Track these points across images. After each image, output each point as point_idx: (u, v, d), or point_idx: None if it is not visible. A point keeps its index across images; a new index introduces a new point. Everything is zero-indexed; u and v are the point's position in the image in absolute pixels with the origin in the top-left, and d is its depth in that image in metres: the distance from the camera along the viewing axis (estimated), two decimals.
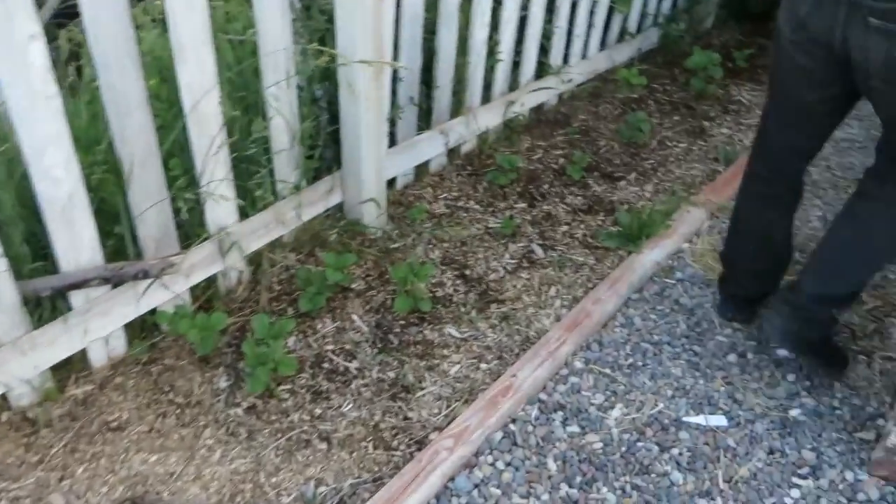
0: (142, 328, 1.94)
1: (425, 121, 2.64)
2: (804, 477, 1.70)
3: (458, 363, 1.97)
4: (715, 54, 3.45)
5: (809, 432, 1.81)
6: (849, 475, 1.69)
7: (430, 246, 2.38)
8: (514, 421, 1.81)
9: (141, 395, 1.82)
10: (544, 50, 3.10)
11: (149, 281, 1.80)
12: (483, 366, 1.97)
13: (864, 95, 1.65)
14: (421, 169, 2.68)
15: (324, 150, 2.29)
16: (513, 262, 2.36)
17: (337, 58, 2.05)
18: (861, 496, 1.65)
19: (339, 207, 2.37)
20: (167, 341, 1.95)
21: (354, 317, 2.09)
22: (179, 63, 1.73)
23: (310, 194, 2.21)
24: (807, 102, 1.71)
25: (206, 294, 2.04)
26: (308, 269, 2.12)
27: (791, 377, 1.97)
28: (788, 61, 1.68)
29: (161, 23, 1.97)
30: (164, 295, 1.88)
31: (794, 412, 1.86)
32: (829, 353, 1.98)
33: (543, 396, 1.88)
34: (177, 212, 1.85)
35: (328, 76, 2.25)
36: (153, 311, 1.90)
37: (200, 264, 1.95)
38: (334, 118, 2.26)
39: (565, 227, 2.54)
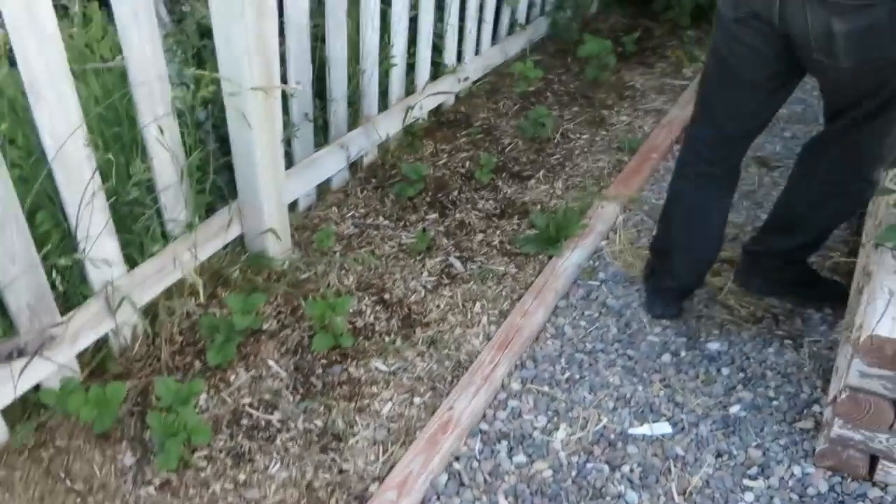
0: (24, 407, 1.69)
1: (323, 136, 2.47)
2: (754, 478, 1.67)
3: (390, 400, 1.84)
4: (607, 41, 3.43)
5: (752, 428, 1.79)
6: (796, 469, 1.68)
7: (343, 272, 2.22)
8: (457, 459, 1.69)
9: (31, 488, 1.58)
10: (437, 49, 2.98)
11: (27, 358, 1.56)
12: (417, 400, 1.84)
13: (808, 71, 1.66)
14: (323, 188, 2.51)
15: (216, 179, 2.08)
16: (432, 279, 2.24)
17: (221, 81, 1.85)
18: (811, 490, 1.64)
19: (240, 240, 2.17)
20: (57, 418, 1.71)
21: (270, 362, 1.91)
22: (35, 102, 1.49)
23: (205, 231, 2.00)
24: (754, 81, 1.70)
25: (97, 357, 1.80)
26: (212, 316, 1.91)
27: (725, 371, 1.95)
28: (733, 41, 1.66)
29: (9, 56, 1.71)
30: (48, 367, 1.64)
31: (734, 409, 1.84)
32: (818, 288, 2.13)
33: (484, 426, 1.78)
34: (53, 271, 1.61)
35: (212, 96, 2.04)
36: (37, 387, 1.66)
37: (87, 326, 1.72)
38: (224, 142, 2.06)
39: (481, 236, 2.44)
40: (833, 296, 2.13)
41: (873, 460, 1.63)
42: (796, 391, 1.90)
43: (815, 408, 1.84)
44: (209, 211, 2.06)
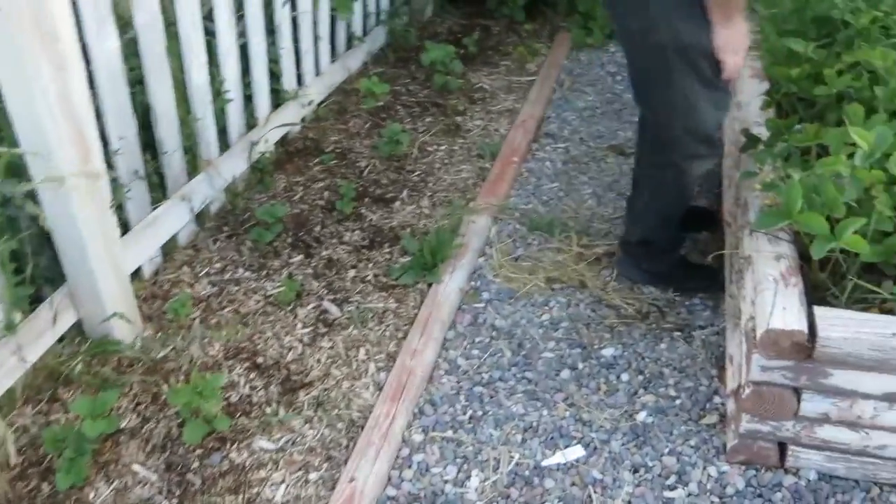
0: None
1: (160, 190, 2.21)
2: (673, 487, 1.63)
3: (283, 482, 1.64)
4: (450, 46, 3.35)
5: (661, 433, 1.75)
6: (712, 470, 1.66)
7: (206, 340, 1.99)
8: None
9: None
10: (275, 76, 2.77)
11: None
12: (312, 475, 1.66)
13: None
14: (169, 247, 2.24)
15: (36, 260, 1.78)
16: (307, 331, 2.05)
17: (24, 158, 1.57)
18: (730, 489, 1.61)
19: (78, 327, 1.88)
20: None
21: (136, 466, 1.65)
22: None
23: (31, 328, 1.71)
24: None
25: None
26: (56, 427, 1.63)
27: (625, 377, 1.91)
28: None
29: None
30: None
31: (640, 416, 1.80)
32: (692, 275, 2.17)
33: (392, 492, 1.62)
34: None
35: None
36: None
37: None
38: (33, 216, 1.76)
39: (353, 272, 2.28)
40: (709, 282, 2.15)
41: (782, 447, 1.63)
42: (695, 385, 1.88)
43: (716, 399, 1.83)
44: (36, 301, 1.77)
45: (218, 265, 2.26)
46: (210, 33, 2.34)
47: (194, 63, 2.23)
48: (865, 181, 1.60)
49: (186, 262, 2.25)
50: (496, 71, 3.56)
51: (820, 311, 1.48)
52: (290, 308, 2.12)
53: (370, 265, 2.30)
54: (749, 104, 2.26)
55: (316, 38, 3.03)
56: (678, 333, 2.04)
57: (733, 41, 1.71)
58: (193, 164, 2.34)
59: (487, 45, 3.78)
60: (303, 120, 2.96)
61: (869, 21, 2.09)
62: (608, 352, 1.98)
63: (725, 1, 1.65)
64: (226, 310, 2.10)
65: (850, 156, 1.66)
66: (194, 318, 2.05)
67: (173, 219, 2.20)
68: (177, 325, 2.01)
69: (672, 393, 1.86)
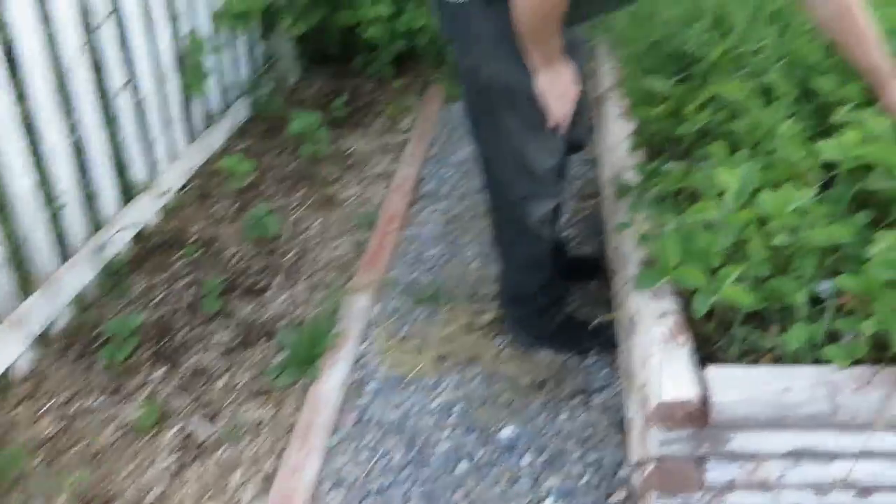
0: None
1: None
2: None
3: None
4: (315, 114, 3.20)
5: None
6: None
7: (49, 494, 1.71)
8: None
9: None
10: (123, 167, 2.54)
11: None
12: None
13: None
14: (3, 383, 1.96)
15: None
16: (172, 459, 1.81)
17: None
18: None
19: None
20: None
21: None
22: None
23: None
24: None
25: None
26: None
27: (526, 459, 1.76)
28: None
29: None
30: None
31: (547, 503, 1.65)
32: (582, 336, 2.04)
33: None
34: None
35: None
36: None
37: None
38: None
39: (224, 380, 2.05)
40: (601, 339, 2.04)
41: None
42: (600, 457, 1.75)
43: (623, 473, 1.70)
44: None
45: (65, 395, 1.99)
46: (34, 131, 2.11)
47: (13, 167, 1.99)
48: (737, 224, 1.52)
49: (26, 397, 1.97)
50: (368, 132, 3.44)
51: (711, 373, 1.38)
52: (151, 435, 1.87)
53: (242, 369, 2.09)
54: (618, 147, 2.20)
55: (168, 121, 2.82)
56: (577, 399, 1.91)
57: (556, 87, 1.63)
58: (27, 282, 2.08)
59: (358, 106, 3.66)
60: (164, 209, 2.73)
61: (720, 53, 2.07)
62: (506, 433, 1.83)
63: (537, 45, 1.57)
64: (74, 449, 1.83)
65: (721, 194, 1.59)
66: (36, 468, 1.77)
67: (4, 350, 1.93)
68: (11, 480, 1.73)
69: (578, 470, 1.72)
